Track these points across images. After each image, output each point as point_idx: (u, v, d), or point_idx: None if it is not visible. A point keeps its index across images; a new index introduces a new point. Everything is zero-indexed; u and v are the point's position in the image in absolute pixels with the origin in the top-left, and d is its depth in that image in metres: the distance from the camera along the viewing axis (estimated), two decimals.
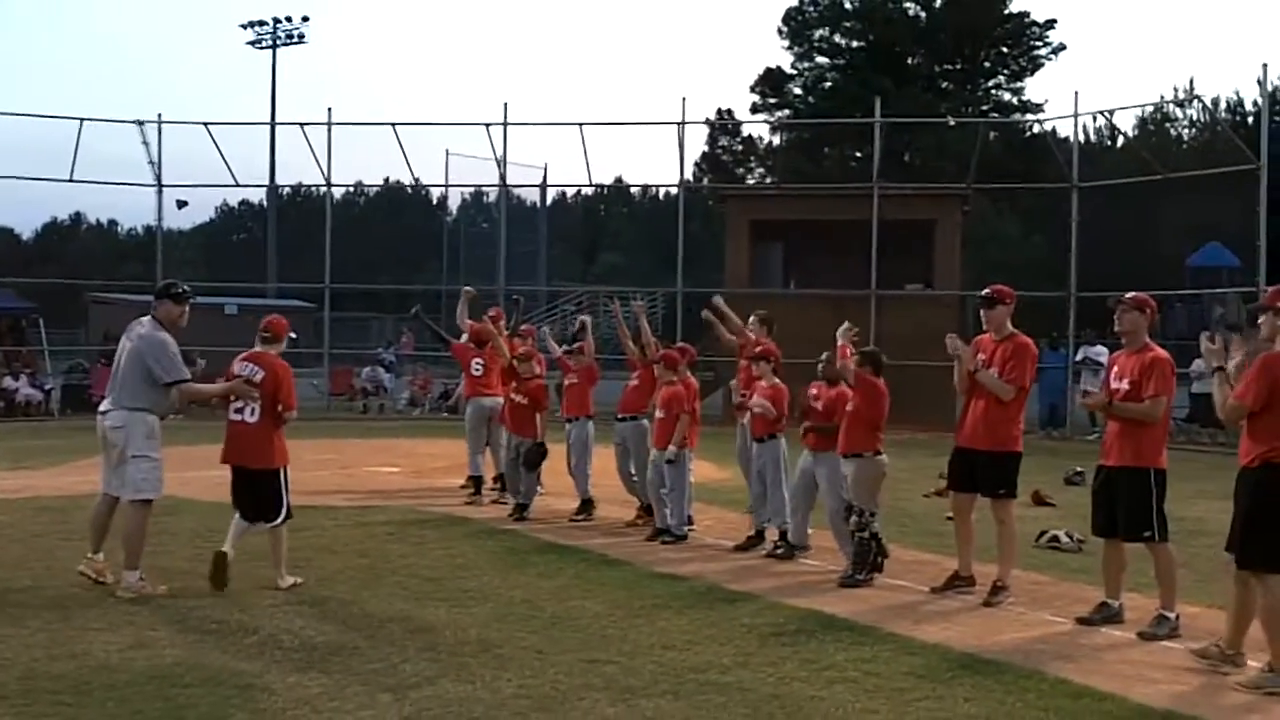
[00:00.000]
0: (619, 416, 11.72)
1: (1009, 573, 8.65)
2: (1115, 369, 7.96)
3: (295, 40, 59.46)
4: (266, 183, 50.20)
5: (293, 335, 9.71)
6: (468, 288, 14.59)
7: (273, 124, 49.57)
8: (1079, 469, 15.62)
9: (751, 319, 11.39)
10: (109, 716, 5.62)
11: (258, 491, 8.59)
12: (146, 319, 8.59)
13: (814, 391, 9.82)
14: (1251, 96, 50.94)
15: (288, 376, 8.81)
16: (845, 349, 9.57)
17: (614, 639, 7.22)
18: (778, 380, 10.36)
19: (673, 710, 5.89)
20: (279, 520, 8.54)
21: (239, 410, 8.73)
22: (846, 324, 9.86)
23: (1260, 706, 6.24)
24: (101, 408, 8.56)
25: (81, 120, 25.72)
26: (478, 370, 13.15)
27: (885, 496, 9.66)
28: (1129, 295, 8.01)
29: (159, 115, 26.62)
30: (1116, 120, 46.35)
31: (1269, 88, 29.10)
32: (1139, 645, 7.36)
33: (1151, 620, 7.61)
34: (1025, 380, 8.52)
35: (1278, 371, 6.45)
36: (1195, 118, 52.53)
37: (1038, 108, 52.55)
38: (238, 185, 29.44)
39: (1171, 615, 7.60)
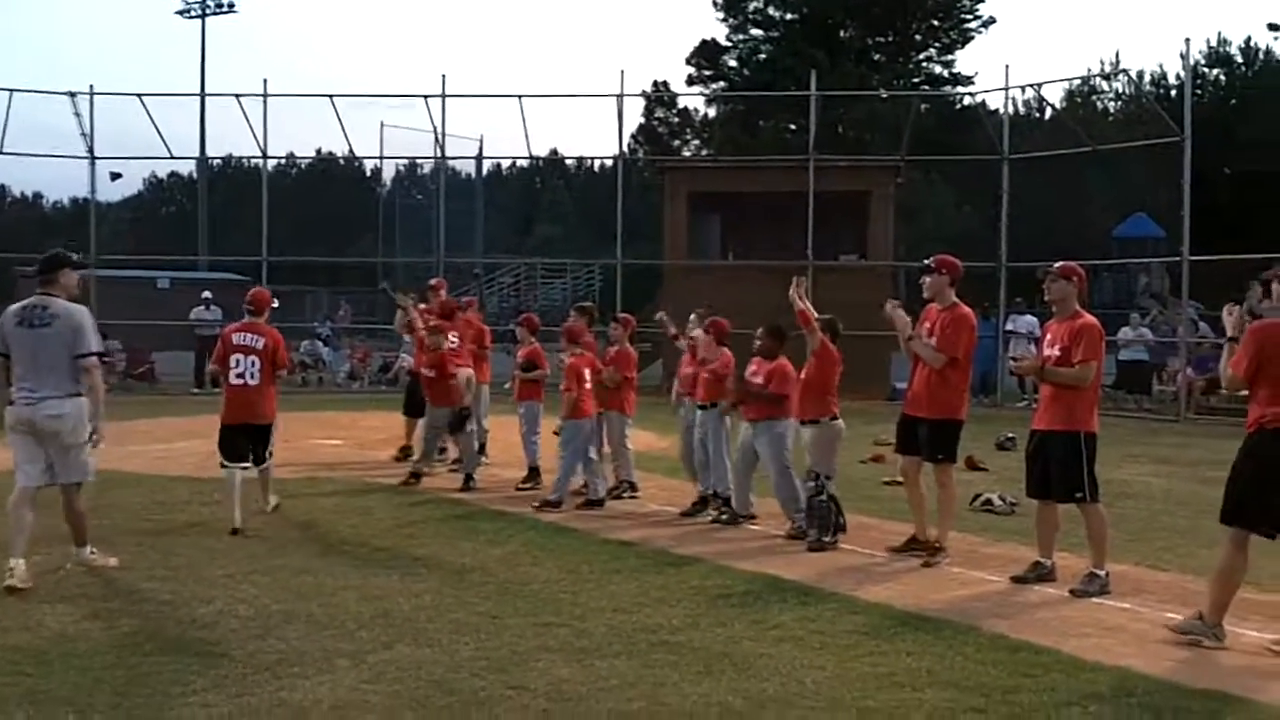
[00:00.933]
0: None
1: (947, 535, 8.93)
2: (1048, 336, 8.22)
3: (225, 9, 58.51)
4: (197, 154, 49.35)
5: (274, 304, 10.77)
6: (399, 296, 14.04)
7: (202, 95, 48.66)
8: (1010, 434, 15.98)
9: (692, 316, 11.60)
10: (72, 685, 5.66)
11: (258, 440, 10.16)
12: (51, 298, 7.98)
13: (753, 368, 10.04)
14: (1175, 70, 52.09)
15: (281, 341, 10.40)
16: (807, 315, 9.67)
17: (565, 603, 7.37)
18: (724, 349, 10.57)
19: (626, 669, 6.06)
20: (270, 460, 10.33)
21: (240, 375, 10.05)
22: (796, 279, 9.95)
23: (1185, 654, 6.52)
24: (25, 398, 7.77)
25: (11, 91, 25.33)
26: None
27: None
28: (1057, 265, 8.26)
29: (90, 86, 26.26)
30: (1045, 93, 47.04)
31: (1191, 62, 29.76)
32: (1071, 602, 7.63)
33: (1082, 578, 7.88)
34: (957, 350, 8.74)
35: (1263, 340, 6.64)
36: (1121, 91, 53.45)
37: (968, 80, 53.15)
38: (171, 157, 29.23)
39: (1101, 573, 7.88)
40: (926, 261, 9.19)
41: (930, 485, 8.98)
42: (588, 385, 11.28)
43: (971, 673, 6.11)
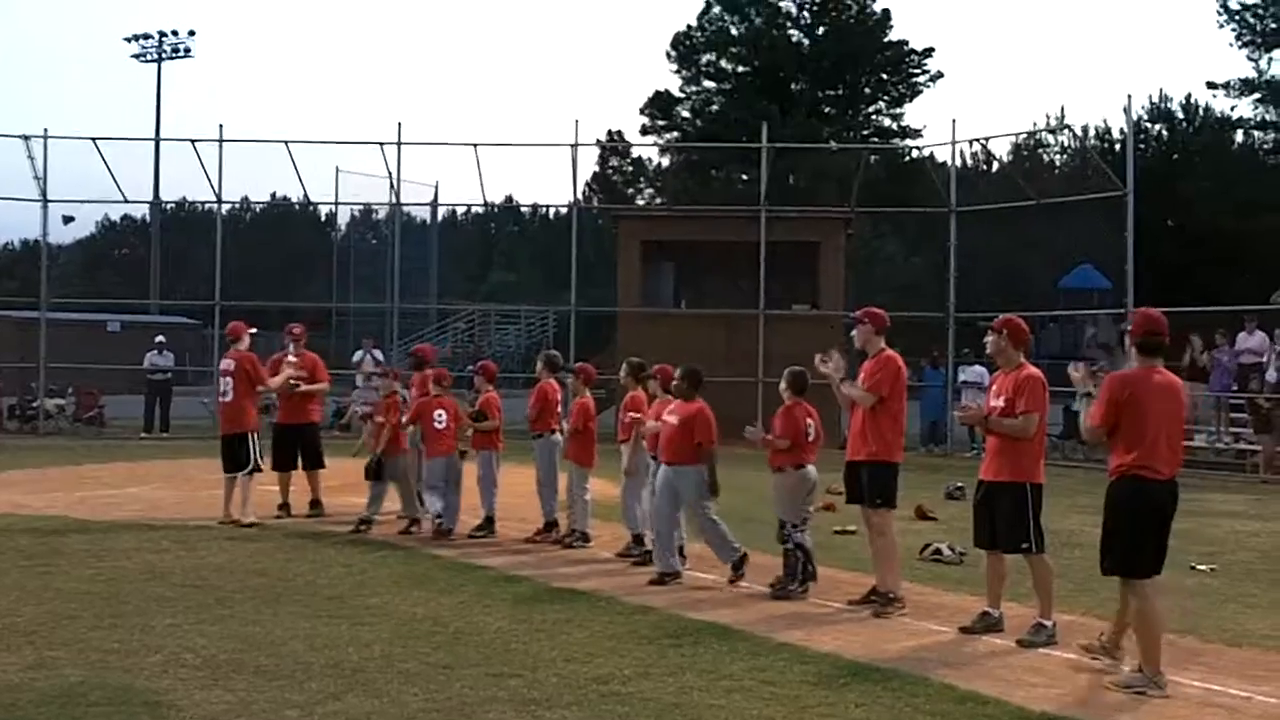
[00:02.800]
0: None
1: (897, 583, 8.97)
2: (994, 387, 8.37)
3: (181, 54, 58.43)
4: (150, 198, 49.08)
5: (252, 331, 12.75)
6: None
7: (157, 139, 48.59)
8: (959, 484, 16.10)
9: (624, 366, 11.72)
10: None
11: (239, 447, 12.35)
12: None
13: (671, 408, 10.10)
14: (1118, 124, 53.03)
15: (251, 360, 12.60)
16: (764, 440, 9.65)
17: (517, 653, 7.36)
18: (669, 396, 10.64)
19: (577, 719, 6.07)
20: (250, 468, 12.35)
21: (222, 394, 12.67)
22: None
23: (1129, 706, 6.60)
24: None
25: None
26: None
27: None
28: (996, 320, 8.43)
29: (44, 130, 26.07)
30: (992, 147, 47.74)
31: (1134, 117, 30.38)
32: (1018, 652, 7.69)
33: (1030, 628, 7.95)
34: (883, 388, 8.86)
35: (1116, 391, 6.93)
36: (1065, 145, 54.45)
37: (916, 133, 53.99)
38: (125, 201, 28.94)
39: (1049, 623, 7.95)
40: (852, 315, 9.38)
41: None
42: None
43: None
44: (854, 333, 9.32)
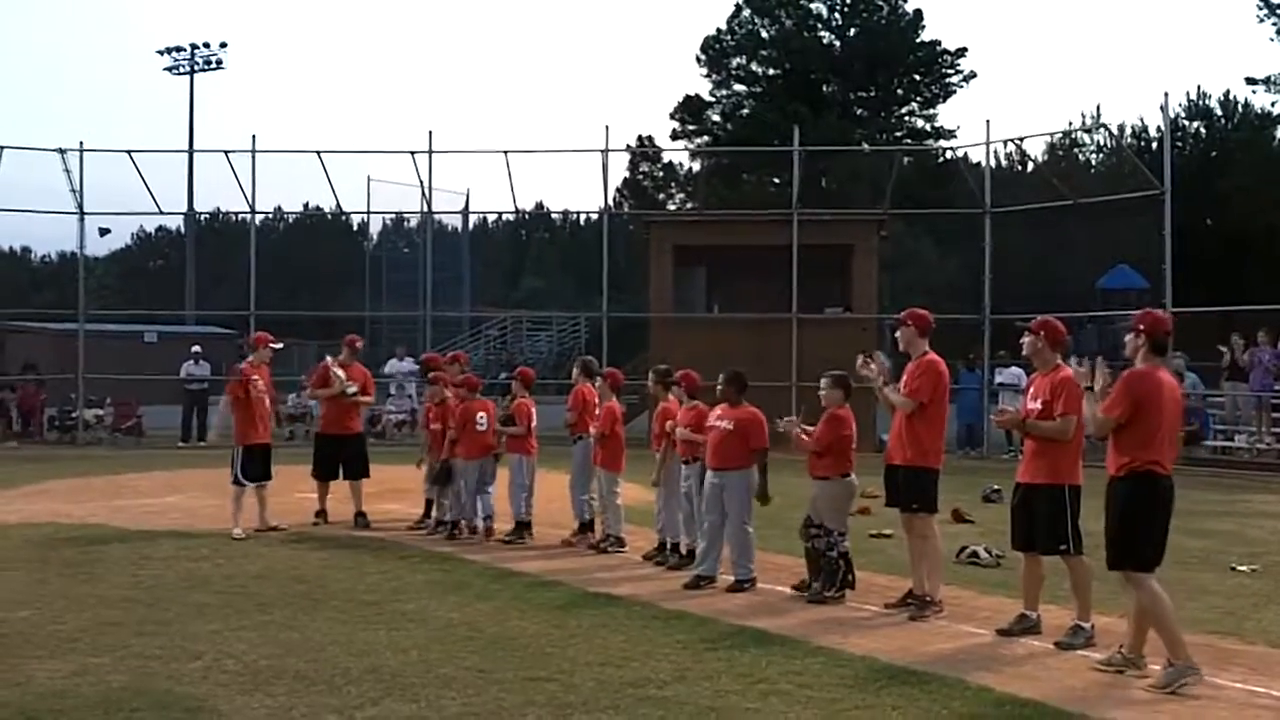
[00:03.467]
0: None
1: (937, 587, 8.92)
2: (1031, 390, 8.33)
3: (214, 66, 58.94)
4: (184, 209, 49.48)
5: (275, 346, 13.27)
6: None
7: (190, 151, 49.05)
8: (996, 487, 16.00)
9: (651, 374, 11.89)
10: None
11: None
12: None
13: (718, 413, 10.08)
14: (1155, 123, 52.68)
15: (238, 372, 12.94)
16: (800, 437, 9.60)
17: (553, 657, 7.38)
18: (697, 403, 10.66)
19: None
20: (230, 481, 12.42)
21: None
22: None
23: (1169, 708, 6.54)
24: None
25: (1, 148, 25.46)
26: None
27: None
28: (1033, 321, 8.39)
29: (80, 143, 26.36)
30: (1027, 147, 47.48)
31: (1170, 115, 30.14)
32: (1056, 654, 7.65)
33: (1068, 630, 7.91)
34: (924, 394, 8.80)
35: (1137, 388, 7.01)
36: (1102, 144, 54.05)
37: (950, 134, 53.74)
38: (160, 213, 29.20)
39: (1087, 625, 7.91)
40: (896, 317, 9.34)
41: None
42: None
43: None
44: (898, 334, 9.26)
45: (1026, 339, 8.27)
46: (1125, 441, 7.06)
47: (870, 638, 8.09)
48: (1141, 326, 7.22)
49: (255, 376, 12.85)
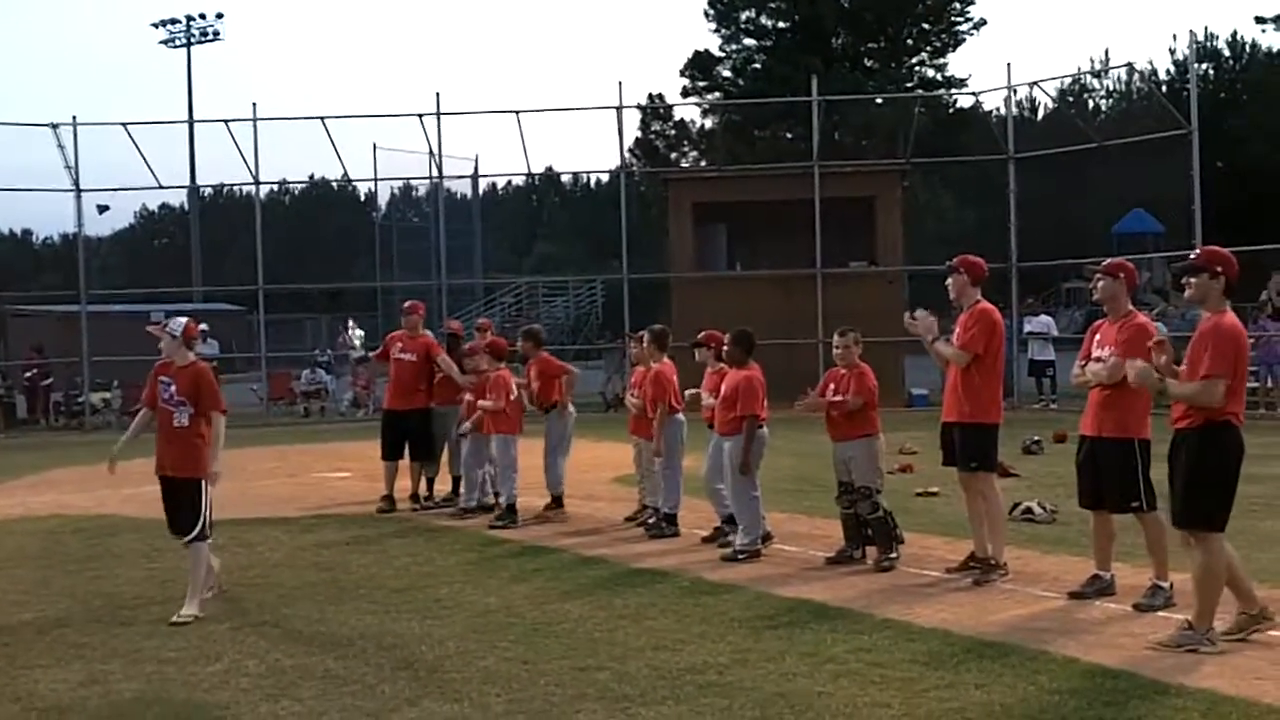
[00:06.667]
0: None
1: (1000, 549, 8.42)
2: (1098, 337, 7.71)
3: (210, 38, 58.14)
4: (186, 184, 48.85)
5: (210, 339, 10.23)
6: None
7: (191, 122, 48.21)
8: (1036, 437, 15.56)
9: (645, 335, 11.11)
10: None
11: None
12: None
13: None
14: (1164, 65, 51.90)
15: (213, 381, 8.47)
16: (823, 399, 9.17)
17: (602, 643, 6.86)
18: (722, 365, 10.06)
19: (675, 716, 5.56)
20: (193, 536, 8.01)
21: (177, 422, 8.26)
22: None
23: (1265, 671, 6.03)
24: None
25: None
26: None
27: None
28: (1106, 262, 7.83)
29: (74, 117, 25.76)
30: (1040, 92, 46.68)
31: (1192, 55, 29.49)
32: (1137, 617, 7.14)
33: (1146, 591, 7.43)
34: (979, 345, 8.31)
35: (1241, 338, 6.50)
36: (1112, 87, 53.17)
37: (961, 83, 52.82)
38: (160, 187, 28.65)
39: (1166, 585, 7.42)
40: (948, 263, 8.77)
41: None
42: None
43: (1048, 705, 5.63)
44: (948, 283, 8.69)
45: (1103, 281, 7.63)
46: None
47: (936, 606, 7.56)
48: (1219, 268, 6.52)
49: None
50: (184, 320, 8.30)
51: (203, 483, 8.00)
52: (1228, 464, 6.46)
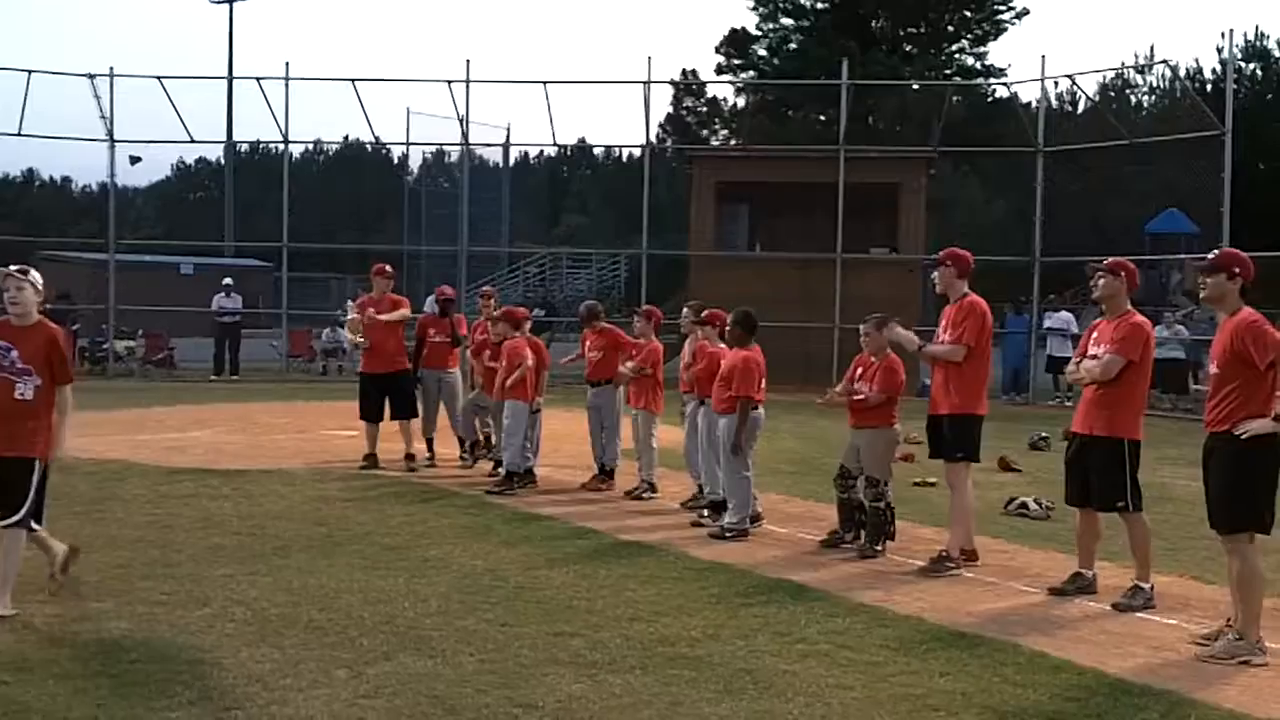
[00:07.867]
0: None
1: (958, 544, 8.45)
2: (1095, 335, 7.76)
3: None
4: (223, 139, 49.12)
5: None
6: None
7: (230, 78, 48.38)
8: (1044, 434, 15.61)
9: (685, 310, 11.18)
10: (49, 695, 5.33)
11: None
12: None
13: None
14: (1210, 64, 51.29)
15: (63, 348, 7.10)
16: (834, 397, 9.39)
17: (580, 610, 7.01)
18: (722, 344, 10.18)
19: (641, 685, 5.69)
20: (16, 520, 6.78)
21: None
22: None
23: (1236, 678, 6.10)
24: None
25: (30, 72, 25.17)
26: None
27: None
28: (1108, 260, 7.84)
29: (110, 68, 26.00)
30: (1080, 85, 46.25)
31: (1230, 55, 29.18)
32: (1114, 616, 7.22)
33: (1126, 591, 7.49)
34: (971, 337, 8.32)
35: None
36: (1155, 84, 52.55)
37: (1000, 72, 52.38)
38: (192, 141, 28.89)
39: (1146, 586, 7.47)
40: (935, 257, 8.83)
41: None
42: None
43: (1010, 696, 5.72)
44: (934, 276, 8.75)
45: (1104, 279, 7.66)
46: (1255, 393, 6.37)
47: (915, 595, 7.66)
48: (1237, 269, 6.52)
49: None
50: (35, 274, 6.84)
51: (37, 462, 6.68)
52: (1271, 463, 6.37)
